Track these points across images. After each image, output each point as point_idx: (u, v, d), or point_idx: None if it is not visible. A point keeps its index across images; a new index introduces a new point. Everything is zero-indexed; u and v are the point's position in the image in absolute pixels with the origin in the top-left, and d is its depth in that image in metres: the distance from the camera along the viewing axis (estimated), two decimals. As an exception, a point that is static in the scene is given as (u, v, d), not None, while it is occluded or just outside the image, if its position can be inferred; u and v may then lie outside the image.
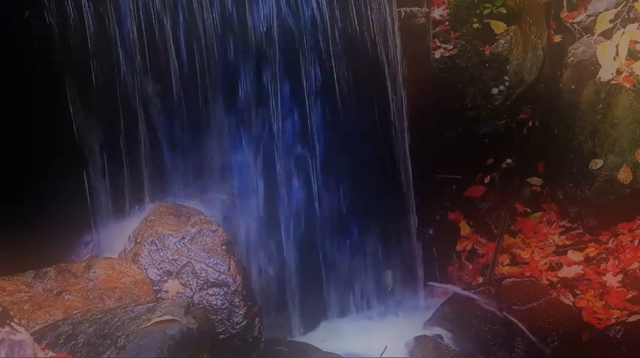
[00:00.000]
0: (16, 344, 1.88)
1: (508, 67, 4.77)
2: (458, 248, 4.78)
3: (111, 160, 3.49)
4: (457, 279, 4.66)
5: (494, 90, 4.80)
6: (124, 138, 3.50)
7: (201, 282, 3.20)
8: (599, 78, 4.25)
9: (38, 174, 3.26)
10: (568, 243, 4.66)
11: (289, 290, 3.94)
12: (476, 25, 4.74)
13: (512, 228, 4.83)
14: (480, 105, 4.82)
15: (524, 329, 3.79)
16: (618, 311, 3.99)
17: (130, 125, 3.49)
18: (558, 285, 4.33)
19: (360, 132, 3.98)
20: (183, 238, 3.32)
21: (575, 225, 4.72)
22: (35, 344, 2.01)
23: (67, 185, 3.37)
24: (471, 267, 4.71)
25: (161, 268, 3.23)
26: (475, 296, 4.02)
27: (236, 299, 3.20)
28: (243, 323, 3.19)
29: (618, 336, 3.70)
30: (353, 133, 3.96)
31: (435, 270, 4.61)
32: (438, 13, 4.82)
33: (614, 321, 3.87)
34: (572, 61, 4.72)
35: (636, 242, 4.37)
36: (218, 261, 3.26)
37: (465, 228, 4.83)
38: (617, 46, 3.93)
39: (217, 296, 3.19)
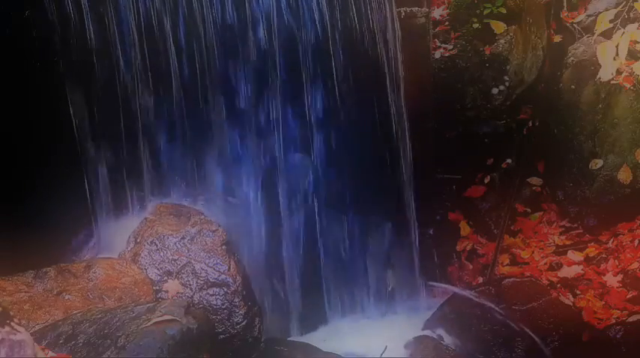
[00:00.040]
0: (16, 344, 1.88)
1: (508, 67, 4.77)
2: (458, 248, 4.78)
3: (111, 160, 3.50)
4: (457, 279, 4.66)
5: (494, 90, 4.79)
6: (124, 138, 3.50)
7: (201, 282, 3.21)
8: (599, 78, 4.25)
9: (38, 174, 3.27)
10: (568, 243, 4.66)
11: (289, 290, 3.94)
12: (476, 25, 4.74)
13: (512, 228, 4.83)
14: (480, 105, 4.82)
15: (525, 329, 3.78)
16: (618, 311, 3.99)
17: (129, 125, 3.49)
18: (558, 285, 4.33)
19: (360, 132, 3.98)
20: (183, 238, 3.32)
21: (575, 225, 4.72)
22: (35, 344, 2.01)
23: (67, 185, 3.37)
24: (471, 266, 4.71)
25: (161, 268, 3.23)
26: (475, 297, 4.02)
27: (236, 299, 3.20)
28: (243, 323, 3.19)
29: (618, 336, 3.70)
30: (353, 133, 3.95)
31: (435, 270, 4.61)
32: (438, 13, 4.82)
33: (614, 321, 3.87)
34: (572, 61, 4.72)
35: (636, 242, 4.37)
36: (218, 261, 3.26)
37: (465, 228, 4.83)
38: (617, 46, 3.93)
39: (217, 296, 3.19)
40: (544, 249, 4.64)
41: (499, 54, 4.75)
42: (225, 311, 3.18)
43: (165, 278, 3.21)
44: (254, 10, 3.55)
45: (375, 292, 4.23)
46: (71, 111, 3.35)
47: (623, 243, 4.42)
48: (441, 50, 4.75)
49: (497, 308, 3.91)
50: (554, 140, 4.80)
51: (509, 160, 4.93)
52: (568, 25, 5.00)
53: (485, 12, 4.72)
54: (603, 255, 4.44)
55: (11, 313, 2.02)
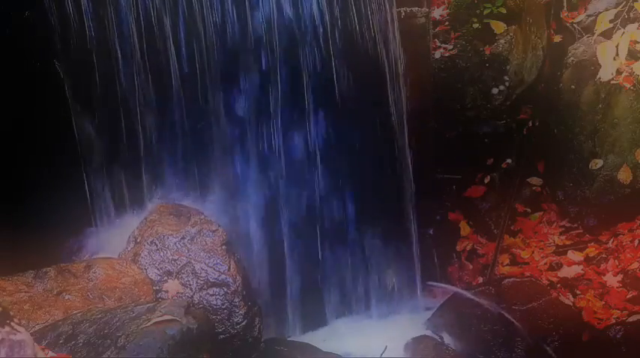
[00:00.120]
0: (16, 344, 1.88)
1: (508, 67, 4.77)
2: (458, 248, 4.78)
3: (111, 160, 3.50)
4: (457, 279, 4.66)
5: (494, 90, 4.79)
6: (124, 138, 3.50)
7: (201, 282, 3.20)
8: (599, 78, 4.25)
9: (38, 174, 3.27)
10: (568, 243, 4.66)
11: (289, 290, 3.94)
12: (476, 25, 4.74)
13: (512, 228, 4.83)
14: (480, 105, 4.82)
15: (524, 330, 3.78)
16: (618, 311, 3.99)
17: (129, 125, 3.49)
18: (558, 285, 4.33)
19: (360, 132, 3.98)
20: (183, 238, 3.32)
21: (575, 225, 4.72)
22: (35, 344, 2.01)
23: (67, 185, 3.37)
24: (471, 266, 4.71)
25: (161, 268, 3.23)
26: (475, 297, 4.02)
27: (236, 299, 3.20)
28: (243, 323, 3.19)
29: (618, 336, 3.69)
30: (353, 133, 3.96)
31: (435, 270, 4.61)
32: (438, 13, 4.82)
33: (614, 321, 3.87)
34: (572, 61, 4.72)
35: (636, 242, 4.37)
36: (218, 261, 3.26)
37: (465, 228, 4.83)
38: (617, 46, 3.93)
39: (217, 296, 3.19)
40: (544, 249, 4.64)
41: (499, 54, 4.75)
42: (225, 311, 3.18)
43: (165, 278, 3.21)
44: (254, 10, 3.55)
45: (375, 292, 4.23)
46: (71, 112, 3.35)
47: (623, 243, 4.42)
48: (441, 50, 4.75)
49: (497, 309, 3.90)
50: (554, 140, 4.80)
51: (509, 160, 4.93)
52: (568, 25, 5.00)
53: (485, 12, 4.72)
54: (603, 255, 4.44)
55: (11, 313, 2.02)
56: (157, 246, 3.28)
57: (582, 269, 4.40)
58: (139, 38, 3.39)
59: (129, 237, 3.35)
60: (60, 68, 3.27)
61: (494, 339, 3.79)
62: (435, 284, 4.45)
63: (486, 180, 4.87)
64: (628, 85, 4.35)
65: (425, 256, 4.39)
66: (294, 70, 3.70)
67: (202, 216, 3.43)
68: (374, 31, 3.86)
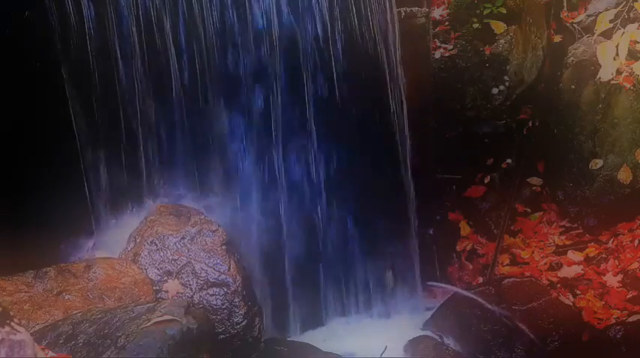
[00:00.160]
0: (16, 344, 1.88)
1: (508, 67, 4.77)
2: (458, 248, 4.78)
3: (111, 160, 3.50)
4: (457, 279, 4.66)
5: (494, 90, 4.79)
6: (124, 138, 3.50)
7: (201, 282, 3.20)
8: (599, 78, 4.25)
9: (38, 174, 3.26)
10: (568, 243, 4.66)
11: (289, 290, 3.94)
12: (476, 25, 4.74)
13: (512, 228, 4.83)
14: (480, 105, 4.82)
15: (525, 329, 3.78)
16: (618, 311, 3.99)
17: (129, 125, 3.49)
18: (558, 285, 4.33)
19: (360, 132, 3.98)
20: (183, 238, 3.32)
21: (575, 225, 4.72)
22: (35, 344, 2.01)
23: (67, 185, 3.37)
24: (471, 266, 4.71)
25: (161, 268, 3.23)
26: (475, 296, 4.02)
27: (236, 299, 3.20)
28: (243, 323, 3.19)
29: (618, 336, 3.69)
30: (353, 133, 3.96)
31: (435, 270, 4.61)
32: (438, 13, 4.82)
33: (614, 321, 3.87)
34: (572, 61, 4.72)
35: (636, 242, 4.37)
36: (218, 261, 3.26)
37: (465, 228, 4.83)
38: (617, 46, 3.93)
39: (217, 296, 3.19)
40: (544, 249, 4.64)
41: (499, 54, 4.75)
42: (225, 311, 3.18)
43: (166, 278, 3.21)
44: (254, 10, 3.55)
45: (375, 292, 4.23)
46: (71, 112, 3.35)
47: (623, 243, 4.42)
48: (441, 50, 4.75)
49: (497, 309, 3.90)
50: (554, 140, 4.80)
51: (509, 160, 4.93)
52: (568, 25, 5.00)
53: (485, 12, 4.72)
54: (603, 255, 4.44)
55: (11, 313, 2.02)
56: (157, 246, 3.28)
57: (582, 269, 4.40)
58: (139, 38, 3.39)
59: (129, 237, 3.36)
60: (63, 71, 3.27)
61: (494, 339, 3.79)
62: (435, 284, 4.46)
63: (486, 180, 4.88)
64: (628, 85, 4.35)
65: (425, 256, 4.38)
66: (294, 70, 3.70)
67: (202, 216, 3.43)
68: (374, 31, 3.86)
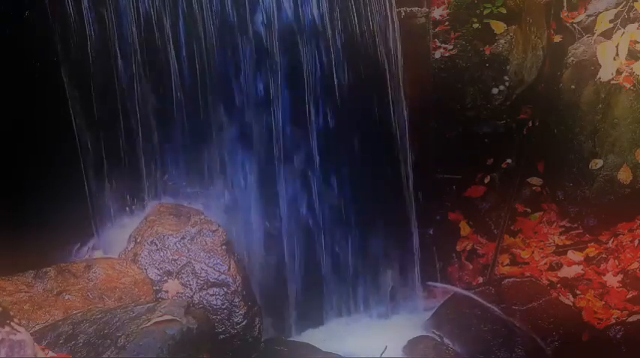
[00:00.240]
0: (16, 344, 1.88)
1: (508, 67, 4.77)
2: (458, 248, 4.78)
3: (111, 160, 3.50)
4: (457, 279, 4.66)
5: (494, 90, 4.79)
6: (124, 138, 3.50)
7: (201, 282, 3.21)
8: (599, 78, 4.25)
9: (38, 174, 3.26)
10: (568, 243, 4.66)
11: (289, 291, 3.94)
12: (476, 25, 4.74)
13: (512, 228, 4.83)
14: (480, 105, 4.82)
15: (524, 329, 3.78)
16: (618, 311, 3.99)
17: (129, 125, 3.49)
18: (558, 285, 4.33)
19: (360, 132, 3.98)
20: (183, 238, 3.32)
21: (575, 225, 4.72)
22: (35, 344, 2.01)
23: (67, 185, 3.37)
24: (471, 266, 4.71)
25: (161, 268, 3.23)
26: (475, 296, 4.02)
27: (236, 299, 3.20)
28: (243, 323, 3.19)
29: (618, 336, 3.70)
30: (353, 133, 3.96)
31: (435, 270, 4.61)
32: (438, 13, 4.82)
33: (614, 321, 3.87)
34: (572, 61, 4.72)
35: (636, 242, 4.37)
36: (218, 261, 3.26)
37: (465, 228, 4.83)
38: (617, 46, 3.93)
39: (217, 296, 3.19)
40: (544, 249, 4.64)
41: (499, 54, 4.75)
42: (225, 311, 3.18)
43: (166, 278, 3.21)
44: (254, 10, 3.55)
45: (375, 292, 4.23)
46: (71, 112, 3.35)
47: (623, 243, 4.42)
48: (441, 50, 4.75)
49: (497, 309, 3.91)
50: (554, 140, 4.80)
51: (509, 160, 4.93)
52: (568, 25, 5.00)
53: (486, 12, 4.72)
54: (603, 255, 4.44)
55: (11, 313, 2.02)
56: (157, 246, 3.28)
57: (582, 269, 4.40)
58: (139, 38, 3.39)
59: (129, 237, 3.36)
60: (62, 71, 3.27)
61: (494, 339, 3.79)
62: (435, 284, 4.46)
63: (486, 180, 4.87)
64: (628, 85, 4.34)
65: (425, 256, 4.38)
66: (294, 70, 3.70)
67: (202, 216, 3.43)
68: (374, 31, 3.86)
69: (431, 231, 4.67)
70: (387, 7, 3.89)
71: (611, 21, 4.18)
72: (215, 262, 3.26)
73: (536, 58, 4.94)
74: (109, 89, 3.41)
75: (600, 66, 4.06)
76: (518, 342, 3.75)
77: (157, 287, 3.17)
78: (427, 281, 4.41)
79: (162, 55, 3.46)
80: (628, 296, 4.09)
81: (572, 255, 4.51)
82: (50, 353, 2.35)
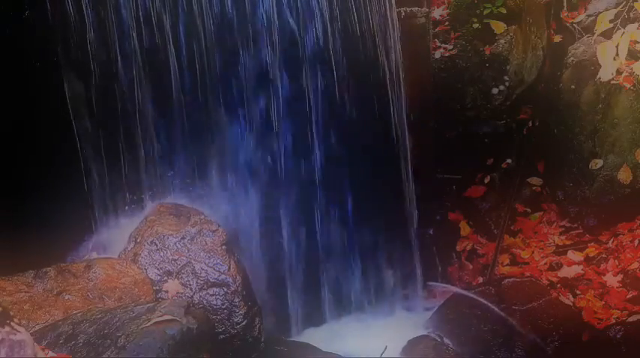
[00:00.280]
0: (16, 344, 1.88)
1: (508, 67, 4.77)
2: (458, 248, 4.78)
3: (110, 160, 3.50)
4: (457, 279, 4.66)
5: (494, 90, 4.80)
6: (124, 137, 3.50)
7: (201, 282, 3.20)
8: (599, 78, 4.25)
9: (38, 174, 3.27)
10: (568, 243, 4.66)
11: (289, 291, 3.94)
12: (476, 25, 4.74)
13: (512, 228, 4.83)
14: (480, 105, 4.82)
15: (524, 330, 3.78)
16: (618, 311, 3.99)
17: (129, 125, 3.49)
18: (558, 285, 4.33)
19: (360, 132, 3.97)
20: (183, 238, 3.32)
21: (575, 225, 4.72)
22: (35, 344, 2.01)
23: (67, 185, 3.37)
24: (471, 266, 4.71)
25: (161, 268, 3.23)
26: (475, 296, 4.02)
27: (236, 299, 3.20)
28: (243, 323, 3.19)
29: (618, 336, 3.69)
30: (353, 133, 3.95)
31: (435, 270, 4.61)
32: (438, 13, 4.82)
33: (614, 321, 3.87)
34: (572, 61, 4.72)
35: (636, 242, 4.37)
36: (218, 261, 3.26)
37: (465, 228, 4.83)
38: (617, 46, 3.93)
39: (217, 296, 3.19)
40: (544, 249, 4.64)
41: (499, 54, 4.75)
42: (225, 311, 3.18)
43: (166, 278, 3.21)
44: (254, 10, 3.55)
45: (375, 292, 4.23)
46: (71, 112, 3.35)
47: (623, 243, 4.42)
48: (441, 50, 4.75)
49: (497, 309, 3.91)
50: (554, 140, 4.80)
51: (509, 160, 4.93)
52: (568, 25, 5.00)
53: (486, 12, 4.72)
54: (603, 255, 4.44)
55: (11, 313, 2.02)
56: (156, 246, 3.28)
57: (582, 269, 4.40)
58: (139, 38, 3.39)
59: (129, 237, 3.36)
60: (62, 71, 3.27)
61: (494, 339, 3.79)
62: (435, 284, 4.46)
63: (486, 180, 4.88)
64: (628, 85, 4.35)
65: (425, 256, 4.39)
66: (293, 70, 3.70)
67: (202, 216, 3.43)
68: (374, 31, 3.86)
69: (431, 231, 4.67)
70: (387, 7, 3.89)
71: (611, 21, 4.18)
72: (215, 262, 3.26)
73: (536, 58, 4.95)
74: (109, 89, 3.41)
75: (600, 66, 4.06)
76: (518, 342, 3.75)
77: (157, 287, 3.17)
78: (427, 281, 4.41)
79: (162, 55, 3.46)
80: (628, 296, 4.09)
81: (572, 255, 4.51)
82: (50, 353, 2.35)
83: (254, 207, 3.81)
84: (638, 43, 4.18)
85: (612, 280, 4.23)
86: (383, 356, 3.64)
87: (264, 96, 3.70)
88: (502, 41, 4.75)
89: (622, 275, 4.23)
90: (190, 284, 3.19)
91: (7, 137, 3.16)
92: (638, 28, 3.98)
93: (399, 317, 4.21)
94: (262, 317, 3.32)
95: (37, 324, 2.79)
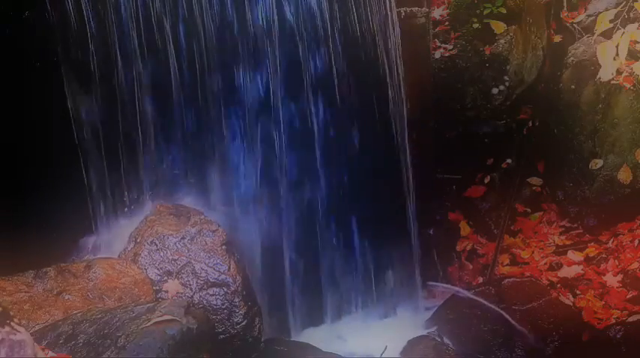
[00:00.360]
0: (16, 344, 1.88)
1: (508, 67, 4.77)
2: (458, 248, 4.78)
3: (111, 160, 3.50)
4: (457, 279, 4.66)
5: (494, 90, 4.80)
6: (124, 138, 3.50)
7: (201, 282, 3.21)
8: (599, 78, 4.25)
9: (38, 174, 3.27)
10: (568, 243, 4.66)
11: (289, 291, 3.94)
12: (476, 25, 4.74)
13: (512, 228, 4.83)
14: (479, 105, 4.82)
15: (524, 330, 3.78)
16: (618, 311, 3.99)
17: (129, 125, 3.49)
18: (558, 285, 4.33)
19: (360, 132, 3.98)
20: (183, 238, 3.32)
21: (575, 225, 4.73)
22: (35, 344, 2.01)
23: (67, 185, 3.37)
24: (471, 266, 4.71)
25: (161, 268, 3.23)
26: (475, 297, 4.02)
27: (236, 299, 3.20)
28: (243, 323, 3.19)
29: (618, 336, 3.69)
30: (353, 133, 3.95)
31: (435, 270, 4.61)
32: (438, 13, 4.82)
33: (614, 321, 3.87)
34: (572, 61, 4.72)
35: (636, 242, 4.37)
36: (218, 261, 3.26)
37: (465, 228, 4.83)
38: (617, 46, 3.93)
39: (217, 296, 3.19)
40: (544, 249, 4.64)
41: (499, 54, 4.75)
42: (225, 311, 3.18)
43: (166, 278, 3.21)
44: (254, 10, 3.55)
45: (375, 292, 4.23)
46: (71, 112, 3.35)
47: (623, 243, 4.42)
48: (441, 50, 4.75)
49: (497, 309, 3.91)
50: (554, 140, 4.80)
51: (509, 160, 4.93)
52: (568, 25, 5.00)
53: (486, 12, 4.72)
54: (603, 255, 4.44)
55: (11, 313, 2.02)
56: (157, 246, 3.28)
57: (582, 269, 4.40)
58: (139, 38, 3.39)
59: (129, 237, 3.36)
60: (62, 71, 3.27)
61: (494, 339, 3.79)
62: (435, 284, 4.46)
63: (486, 180, 4.88)
64: (628, 85, 4.35)
65: (425, 256, 4.38)
66: (294, 70, 3.70)
67: (202, 216, 3.43)
68: (374, 32, 3.86)
69: (431, 231, 4.67)
70: (387, 7, 3.89)
71: (611, 21, 4.18)
72: (215, 262, 3.26)
73: (536, 58, 4.95)
74: (109, 89, 3.41)
75: (600, 66, 4.06)
76: (518, 342, 3.76)
77: (157, 287, 3.17)
78: (427, 281, 4.41)
79: (162, 55, 3.46)
80: (628, 296, 4.09)
81: (572, 255, 4.51)
82: (50, 353, 2.35)
83: (254, 207, 3.80)
84: (638, 43, 4.17)
85: (612, 280, 4.23)
86: (383, 356, 3.65)
87: (264, 97, 3.70)
88: (502, 41, 4.75)
89: (622, 275, 4.23)
90: (190, 284, 3.19)
91: (7, 137, 3.16)
92: (638, 28, 3.98)
93: (399, 317, 4.21)
94: (262, 317, 3.33)
95: (37, 324, 2.79)
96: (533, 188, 4.94)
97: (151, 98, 3.51)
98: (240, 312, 3.19)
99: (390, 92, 3.99)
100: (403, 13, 4.23)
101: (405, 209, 4.20)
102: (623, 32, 3.94)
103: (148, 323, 2.51)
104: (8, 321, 1.91)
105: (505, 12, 4.71)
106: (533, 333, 3.77)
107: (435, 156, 4.64)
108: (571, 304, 4.12)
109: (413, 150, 4.16)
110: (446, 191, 4.87)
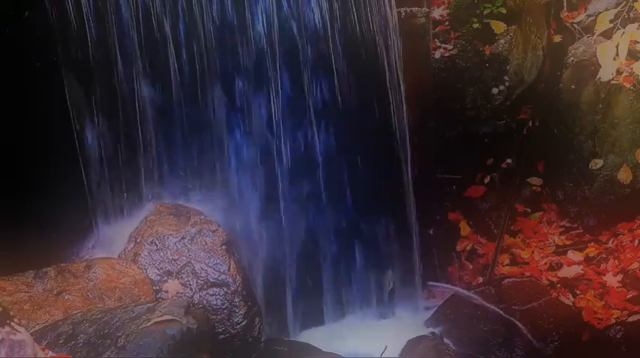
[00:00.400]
0: (16, 344, 1.88)
1: (508, 67, 4.77)
2: (458, 248, 4.78)
3: (110, 160, 3.50)
4: (457, 279, 4.66)
5: (494, 90, 4.79)
6: (124, 137, 3.50)
7: (201, 282, 3.21)
8: (599, 78, 4.25)
9: (38, 174, 3.27)
10: (568, 243, 4.66)
11: (289, 291, 3.94)
12: (476, 25, 4.74)
13: (512, 228, 4.83)
14: (479, 105, 4.82)
15: (524, 330, 3.78)
16: (618, 311, 3.99)
17: (129, 125, 3.49)
18: (558, 285, 4.33)
19: (360, 132, 3.98)
20: (183, 238, 3.32)
21: (575, 225, 4.73)
22: (35, 344, 2.01)
23: (67, 185, 3.38)
24: (471, 266, 4.71)
25: (161, 268, 3.23)
26: (475, 296, 4.02)
27: (236, 299, 3.20)
28: (243, 323, 3.19)
29: (618, 336, 3.69)
30: (353, 133, 3.96)
31: (435, 270, 4.61)
32: (438, 13, 4.82)
33: (614, 321, 3.87)
34: (572, 61, 4.72)
35: (636, 242, 4.37)
36: (218, 261, 3.26)
37: (465, 228, 4.83)
38: (617, 46, 3.93)
39: (217, 296, 3.19)
40: (544, 249, 4.64)
41: (499, 54, 4.75)
42: (225, 311, 3.18)
43: (166, 278, 3.21)
44: (254, 10, 3.55)
45: (375, 292, 4.23)
46: (71, 111, 3.35)
47: (623, 243, 4.42)
48: (441, 50, 4.75)
49: (497, 309, 3.91)
50: (554, 140, 4.80)
51: (509, 160, 4.93)
52: (568, 25, 5.00)
53: (486, 12, 4.72)
54: (603, 255, 4.44)
55: (11, 313, 2.02)
56: (156, 246, 3.28)
57: (582, 269, 4.40)
58: (139, 38, 3.39)
59: (129, 237, 3.36)
60: (62, 71, 3.27)
61: (494, 339, 3.79)
62: (435, 284, 4.46)
63: (486, 180, 4.87)
64: (628, 85, 4.34)
65: (425, 256, 4.38)
66: (294, 70, 3.70)
67: (202, 216, 3.44)
68: (374, 31, 3.86)
69: (431, 231, 4.67)
70: (387, 7, 3.89)
71: (611, 21, 4.18)
72: (215, 262, 3.26)
73: (536, 58, 4.95)
74: (109, 89, 3.41)
75: (600, 66, 4.06)
76: (518, 342, 3.76)
77: (157, 287, 3.17)
78: (427, 281, 4.41)
79: (162, 55, 3.46)
80: (628, 296, 4.09)
81: (572, 255, 4.51)
82: (50, 353, 2.35)
83: (254, 207, 3.80)
84: (638, 43, 4.18)
85: (612, 280, 4.23)
86: (383, 356, 3.64)
87: (264, 97, 3.70)
88: (502, 41, 4.75)
89: (622, 275, 4.23)
90: (190, 284, 3.19)
91: (7, 137, 3.16)
92: (638, 28, 3.98)
93: (399, 317, 4.22)
94: (262, 317, 3.33)
95: (37, 324, 2.79)
96: (533, 188, 4.94)
97: (151, 98, 3.51)
98: (240, 312, 3.19)
99: (390, 92, 3.99)
100: (403, 13, 4.23)
101: (405, 209, 4.20)
102: (623, 32, 3.94)
103: (148, 323, 2.51)
104: (8, 321, 1.91)
105: (505, 12, 4.71)
106: (533, 333, 3.77)
107: (435, 156, 4.64)
108: (571, 304, 4.12)
109: (413, 151, 4.16)
110: (446, 191, 4.87)
